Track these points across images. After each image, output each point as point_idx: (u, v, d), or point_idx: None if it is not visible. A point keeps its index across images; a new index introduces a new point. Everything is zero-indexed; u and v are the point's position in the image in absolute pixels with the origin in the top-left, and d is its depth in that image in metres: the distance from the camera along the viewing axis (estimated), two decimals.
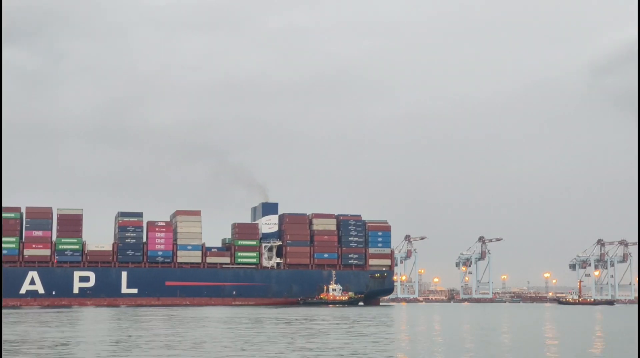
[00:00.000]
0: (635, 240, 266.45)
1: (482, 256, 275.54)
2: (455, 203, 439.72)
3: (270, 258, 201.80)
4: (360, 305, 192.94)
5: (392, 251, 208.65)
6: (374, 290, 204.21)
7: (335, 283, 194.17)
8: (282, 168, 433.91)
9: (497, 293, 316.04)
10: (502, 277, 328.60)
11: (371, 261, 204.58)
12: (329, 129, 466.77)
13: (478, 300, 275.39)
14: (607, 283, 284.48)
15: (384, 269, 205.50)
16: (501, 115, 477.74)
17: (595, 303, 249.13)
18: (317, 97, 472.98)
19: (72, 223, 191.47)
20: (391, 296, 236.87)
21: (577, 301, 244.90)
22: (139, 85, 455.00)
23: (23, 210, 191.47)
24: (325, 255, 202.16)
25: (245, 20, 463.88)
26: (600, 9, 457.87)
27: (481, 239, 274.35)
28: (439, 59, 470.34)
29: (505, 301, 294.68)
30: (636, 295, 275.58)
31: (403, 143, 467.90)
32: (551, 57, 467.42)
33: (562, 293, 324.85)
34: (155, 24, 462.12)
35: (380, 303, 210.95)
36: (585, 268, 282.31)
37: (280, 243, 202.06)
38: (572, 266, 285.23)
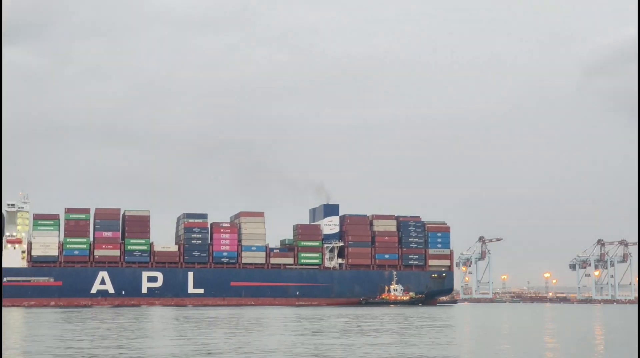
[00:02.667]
0: (635, 240, 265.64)
1: (482, 256, 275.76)
2: (455, 203, 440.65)
3: (331, 258, 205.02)
4: (419, 305, 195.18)
5: (452, 252, 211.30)
6: (433, 290, 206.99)
7: (397, 283, 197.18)
8: (339, 168, 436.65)
9: (497, 293, 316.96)
10: (502, 277, 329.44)
11: (431, 262, 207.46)
12: (338, 128, 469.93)
13: (478, 300, 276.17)
14: (607, 283, 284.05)
15: (443, 269, 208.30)
16: (500, 116, 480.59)
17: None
18: (332, 96, 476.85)
19: (140, 224, 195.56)
20: None
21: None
22: (155, 85, 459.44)
23: (92, 211, 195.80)
24: (386, 256, 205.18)
25: (256, 20, 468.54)
26: (591, 10, 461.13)
27: (481, 239, 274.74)
28: (439, 61, 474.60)
29: (505, 302, 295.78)
30: (636, 295, 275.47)
31: (402, 143, 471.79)
32: (546, 59, 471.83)
33: (563, 293, 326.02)
34: (165, 25, 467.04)
35: (437, 303, 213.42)
36: (585, 268, 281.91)
37: (341, 244, 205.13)
38: (572, 266, 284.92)
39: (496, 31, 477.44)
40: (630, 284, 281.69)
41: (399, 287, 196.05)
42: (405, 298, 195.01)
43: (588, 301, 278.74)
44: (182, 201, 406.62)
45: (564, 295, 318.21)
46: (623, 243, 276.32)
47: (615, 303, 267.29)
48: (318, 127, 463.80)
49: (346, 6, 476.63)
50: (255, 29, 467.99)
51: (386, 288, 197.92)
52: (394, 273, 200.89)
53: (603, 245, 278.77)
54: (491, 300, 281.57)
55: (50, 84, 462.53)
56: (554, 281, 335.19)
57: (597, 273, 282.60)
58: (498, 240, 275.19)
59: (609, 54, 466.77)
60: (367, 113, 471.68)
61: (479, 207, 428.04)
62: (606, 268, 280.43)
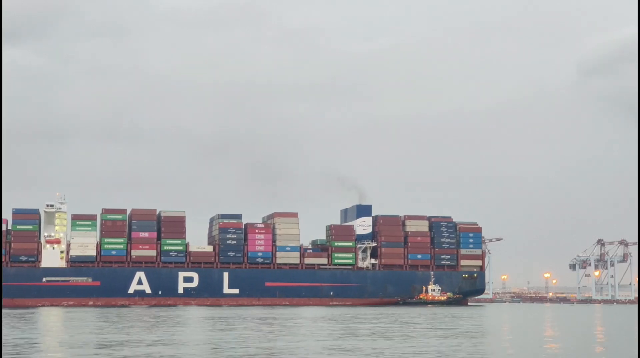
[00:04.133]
0: (635, 240, 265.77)
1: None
2: (455, 203, 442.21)
3: (364, 259, 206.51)
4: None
5: (483, 253, 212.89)
6: (465, 290, 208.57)
7: (434, 283, 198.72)
8: (369, 168, 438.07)
9: (497, 293, 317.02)
10: (502, 277, 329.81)
11: (463, 262, 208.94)
12: (359, 126, 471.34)
13: (478, 300, 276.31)
14: (607, 283, 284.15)
15: (475, 270, 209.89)
16: (500, 116, 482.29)
17: None
18: (342, 94, 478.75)
19: (175, 225, 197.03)
20: None
21: None
22: (164, 84, 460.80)
23: (128, 212, 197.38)
24: (419, 256, 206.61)
25: (263, 18, 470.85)
26: (587, 10, 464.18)
27: (481, 239, 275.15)
28: (439, 59, 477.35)
29: (505, 302, 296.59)
30: (636, 295, 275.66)
31: (403, 140, 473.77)
32: (543, 59, 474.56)
33: (563, 293, 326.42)
34: (171, 23, 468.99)
35: (469, 303, 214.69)
36: (585, 268, 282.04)
37: (374, 244, 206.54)
38: (572, 266, 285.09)
39: (495, 30, 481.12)
40: (630, 284, 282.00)
41: (437, 287, 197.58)
42: (442, 298, 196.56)
43: (588, 301, 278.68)
44: (211, 202, 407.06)
45: (564, 295, 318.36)
46: (623, 243, 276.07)
47: (615, 303, 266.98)
48: (337, 125, 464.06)
49: (351, 5, 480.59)
50: (262, 27, 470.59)
51: (424, 288, 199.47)
52: (432, 273, 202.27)
53: (603, 245, 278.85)
54: (491, 300, 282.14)
55: (59, 84, 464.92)
56: (554, 281, 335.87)
57: (597, 273, 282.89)
58: (498, 240, 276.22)
59: (606, 54, 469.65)
60: (371, 111, 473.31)
61: (479, 207, 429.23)
62: (606, 268, 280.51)
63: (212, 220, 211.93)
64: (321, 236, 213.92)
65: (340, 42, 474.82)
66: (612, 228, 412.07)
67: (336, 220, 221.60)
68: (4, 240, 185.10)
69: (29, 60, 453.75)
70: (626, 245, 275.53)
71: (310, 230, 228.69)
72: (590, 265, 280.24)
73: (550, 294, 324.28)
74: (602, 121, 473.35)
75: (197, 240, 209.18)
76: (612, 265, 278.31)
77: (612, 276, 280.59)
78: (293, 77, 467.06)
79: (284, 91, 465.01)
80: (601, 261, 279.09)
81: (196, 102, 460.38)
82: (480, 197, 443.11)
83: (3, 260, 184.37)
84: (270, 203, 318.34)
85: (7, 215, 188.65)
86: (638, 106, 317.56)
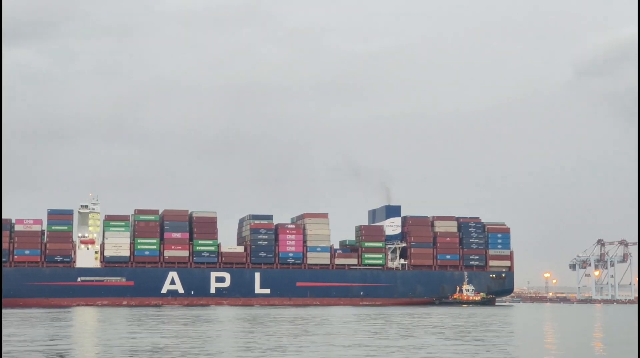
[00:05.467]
0: (635, 240, 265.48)
1: None
2: (455, 203, 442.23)
3: (393, 259, 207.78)
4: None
5: (512, 253, 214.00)
6: (494, 290, 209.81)
7: (468, 283, 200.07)
8: (398, 168, 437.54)
9: None
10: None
11: (491, 263, 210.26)
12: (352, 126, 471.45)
13: None
14: (607, 283, 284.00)
15: (503, 270, 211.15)
16: (496, 117, 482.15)
17: None
18: (342, 94, 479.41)
19: (207, 226, 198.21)
20: None
21: None
22: (173, 83, 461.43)
23: (160, 213, 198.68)
24: (448, 256, 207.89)
25: (267, 18, 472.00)
26: (585, 10, 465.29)
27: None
28: (437, 61, 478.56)
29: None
30: (636, 295, 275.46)
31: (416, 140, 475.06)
32: (542, 59, 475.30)
33: (563, 293, 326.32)
34: (175, 22, 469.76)
35: (496, 304, 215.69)
36: (585, 268, 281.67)
37: (404, 244, 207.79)
38: (572, 266, 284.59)
39: (495, 29, 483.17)
40: (630, 284, 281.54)
41: (471, 288, 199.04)
42: (477, 298, 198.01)
43: (588, 301, 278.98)
44: (236, 203, 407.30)
45: (564, 295, 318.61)
46: (623, 243, 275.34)
47: (615, 303, 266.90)
48: (354, 124, 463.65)
49: (354, 5, 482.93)
50: (266, 28, 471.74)
51: (457, 288, 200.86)
52: (465, 273, 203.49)
53: (603, 245, 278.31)
54: None
55: (65, 84, 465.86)
56: (554, 281, 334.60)
57: (597, 273, 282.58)
58: None
59: (603, 54, 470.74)
60: (378, 110, 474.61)
61: (480, 206, 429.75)
62: (606, 268, 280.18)
63: (241, 221, 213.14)
64: (349, 236, 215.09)
65: (345, 42, 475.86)
66: (612, 228, 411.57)
67: (364, 221, 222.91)
68: (39, 240, 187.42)
69: (34, 60, 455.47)
70: (626, 245, 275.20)
71: (338, 230, 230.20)
72: (590, 265, 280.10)
73: (550, 294, 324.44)
74: (600, 121, 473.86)
75: (226, 240, 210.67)
76: (612, 265, 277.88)
77: (612, 276, 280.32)
78: (296, 76, 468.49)
79: (291, 90, 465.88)
80: (601, 261, 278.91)
81: (207, 103, 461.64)
82: (480, 196, 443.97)
83: (39, 260, 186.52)
84: (296, 204, 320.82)
85: (42, 215, 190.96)
86: (638, 106, 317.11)
